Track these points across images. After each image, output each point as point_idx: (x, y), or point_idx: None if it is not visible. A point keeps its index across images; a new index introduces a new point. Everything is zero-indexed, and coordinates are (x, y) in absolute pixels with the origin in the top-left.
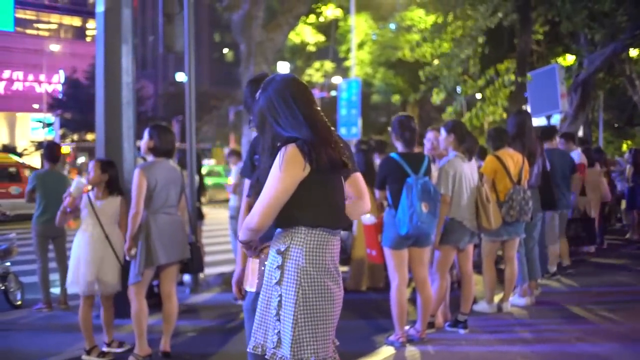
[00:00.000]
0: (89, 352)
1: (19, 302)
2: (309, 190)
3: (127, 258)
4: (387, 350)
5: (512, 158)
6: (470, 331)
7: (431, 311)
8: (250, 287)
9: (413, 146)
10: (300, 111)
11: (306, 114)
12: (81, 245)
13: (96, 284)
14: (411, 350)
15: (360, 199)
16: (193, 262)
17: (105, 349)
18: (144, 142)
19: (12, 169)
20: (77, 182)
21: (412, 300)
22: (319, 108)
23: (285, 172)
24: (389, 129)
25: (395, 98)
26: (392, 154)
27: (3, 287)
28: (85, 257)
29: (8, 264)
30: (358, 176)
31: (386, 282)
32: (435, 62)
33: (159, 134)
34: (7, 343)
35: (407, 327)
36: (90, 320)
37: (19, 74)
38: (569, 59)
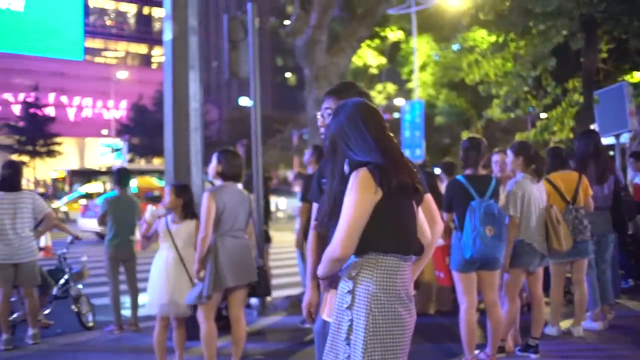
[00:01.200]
0: None
1: (91, 324)
2: (380, 215)
3: (195, 281)
4: None
5: (565, 178)
6: (542, 356)
7: (501, 335)
8: (326, 316)
9: (477, 168)
10: (371, 135)
11: (377, 138)
12: (158, 268)
13: (171, 306)
14: None
15: (432, 221)
16: (260, 285)
17: None
18: (212, 167)
19: (156, 192)
20: (152, 210)
21: (482, 323)
22: (390, 132)
23: (358, 197)
24: (461, 151)
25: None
26: (458, 177)
27: (76, 309)
28: (161, 280)
29: (80, 286)
30: (429, 198)
31: (454, 305)
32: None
33: (227, 159)
34: None
35: (476, 352)
36: (165, 342)
37: (88, 101)
38: (637, 76)
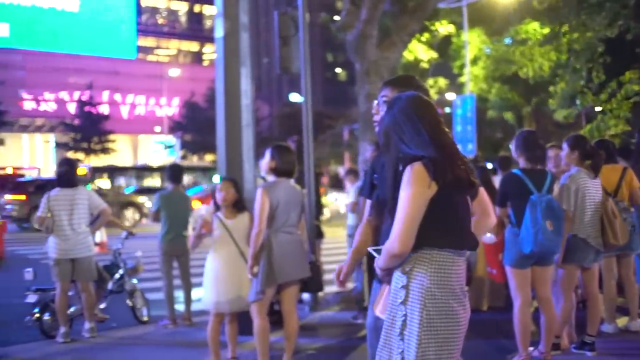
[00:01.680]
0: None
1: (145, 318)
2: (434, 209)
3: (249, 276)
4: None
5: (609, 171)
6: (598, 354)
7: (556, 332)
8: (379, 312)
9: (540, 163)
10: (426, 129)
11: (431, 132)
12: (217, 264)
13: (235, 302)
14: None
15: (485, 215)
16: (313, 280)
17: None
18: (265, 163)
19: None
20: (207, 208)
21: (535, 320)
22: (444, 126)
23: (412, 191)
24: (511, 145)
25: (508, 115)
26: (515, 170)
27: (130, 304)
28: (222, 276)
29: (135, 281)
30: (482, 192)
31: (507, 301)
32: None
33: (280, 154)
34: (135, 358)
35: (531, 348)
36: (219, 337)
37: (141, 99)
38: None
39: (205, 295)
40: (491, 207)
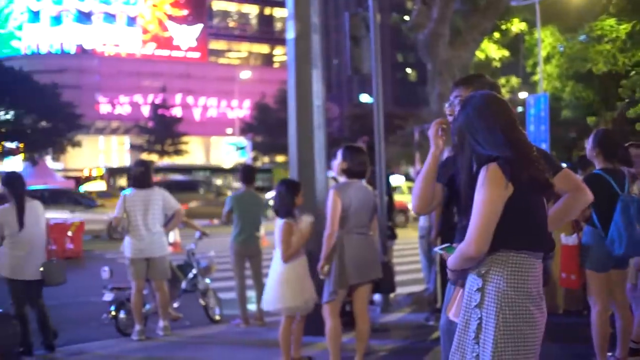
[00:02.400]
0: None
1: (218, 317)
2: (510, 211)
3: (321, 277)
4: None
5: None
6: None
7: (633, 337)
8: (453, 316)
9: (623, 162)
10: (500, 129)
11: (506, 131)
12: (283, 266)
13: (298, 304)
14: None
15: (579, 190)
16: (385, 281)
17: None
18: (336, 164)
19: None
20: (306, 217)
21: (611, 324)
22: (519, 125)
23: (489, 192)
24: (587, 144)
25: (591, 119)
26: (597, 170)
27: (203, 303)
28: (287, 278)
29: (208, 280)
30: (567, 171)
31: (583, 305)
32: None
33: (352, 155)
34: (208, 356)
35: (609, 354)
36: (290, 337)
37: (213, 101)
38: None
39: (272, 296)
40: (581, 181)
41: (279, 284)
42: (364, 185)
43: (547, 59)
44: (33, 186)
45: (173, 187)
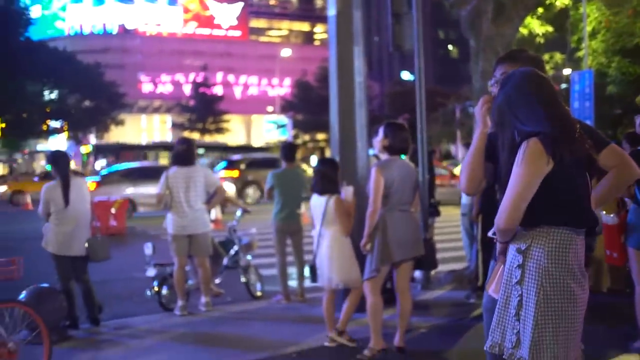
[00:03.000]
0: (337, 334)
1: (259, 294)
2: (552, 186)
3: (364, 253)
4: (631, 358)
5: None
6: None
7: None
8: (493, 292)
9: None
10: (541, 105)
11: (547, 107)
12: (326, 242)
13: (339, 279)
14: None
15: (625, 165)
16: (427, 258)
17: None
18: (378, 141)
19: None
20: (346, 187)
21: None
22: (561, 101)
23: (527, 167)
24: (636, 119)
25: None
26: None
27: (245, 279)
28: (330, 254)
29: (249, 257)
30: (613, 146)
31: (627, 283)
32: None
33: (394, 132)
34: (249, 332)
35: None
36: (334, 312)
37: (254, 79)
38: None
39: (329, 271)
40: (628, 156)
41: (332, 259)
42: (406, 162)
43: (593, 34)
44: (123, 165)
45: (254, 165)
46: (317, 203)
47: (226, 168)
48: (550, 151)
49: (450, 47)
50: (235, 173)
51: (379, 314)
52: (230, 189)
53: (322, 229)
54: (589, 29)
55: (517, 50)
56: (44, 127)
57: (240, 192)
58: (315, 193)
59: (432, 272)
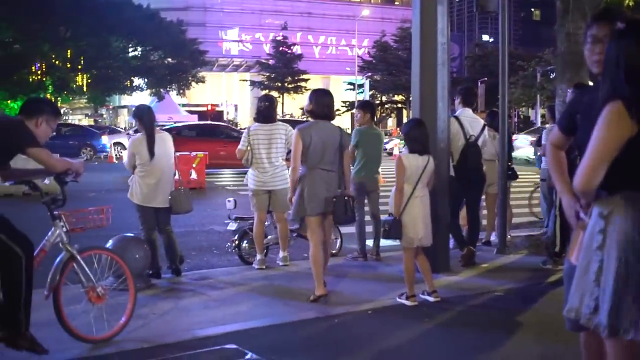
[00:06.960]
0: (407, 298)
1: (336, 250)
2: (635, 151)
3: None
4: None
5: None
6: None
7: None
8: (573, 259)
9: None
10: (629, 66)
11: (635, 69)
12: (425, 202)
13: (429, 239)
14: None
15: None
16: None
17: (424, 295)
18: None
19: None
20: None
21: None
22: None
23: (608, 129)
24: None
25: None
26: None
27: None
28: (425, 213)
29: None
30: None
31: None
32: None
33: (317, 98)
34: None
35: None
36: (414, 270)
37: (333, 39)
38: None
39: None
40: None
41: (427, 217)
42: (329, 126)
43: None
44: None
45: None
46: (415, 163)
47: None
48: (634, 115)
49: (532, 9)
50: None
51: (319, 263)
52: None
53: (417, 188)
54: None
55: (611, 7)
56: (128, 83)
57: None
58: (415, 153)
59: (509, 237)
